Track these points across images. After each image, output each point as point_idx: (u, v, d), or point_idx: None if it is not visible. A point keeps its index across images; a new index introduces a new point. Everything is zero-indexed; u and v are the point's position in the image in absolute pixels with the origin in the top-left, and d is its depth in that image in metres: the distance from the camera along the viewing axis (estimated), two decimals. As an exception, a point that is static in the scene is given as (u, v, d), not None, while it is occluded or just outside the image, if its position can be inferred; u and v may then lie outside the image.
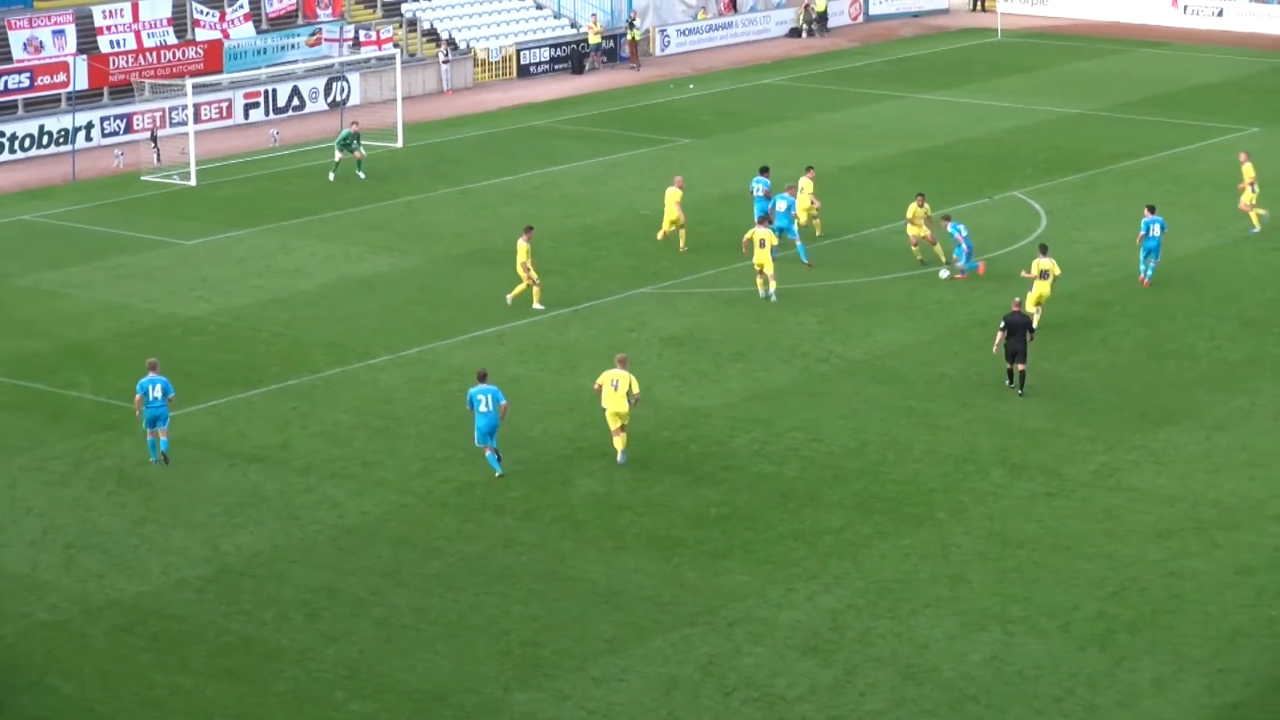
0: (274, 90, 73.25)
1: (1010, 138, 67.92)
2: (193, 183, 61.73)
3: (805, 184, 53.28)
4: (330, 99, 74.51)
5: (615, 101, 76.21)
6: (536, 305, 47.24)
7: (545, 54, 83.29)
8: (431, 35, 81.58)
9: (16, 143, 66.50)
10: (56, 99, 68.67)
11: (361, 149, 61.90)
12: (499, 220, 56.20)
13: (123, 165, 64.81)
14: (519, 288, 47.25)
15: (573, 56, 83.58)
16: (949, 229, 49.05)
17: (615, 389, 36.76)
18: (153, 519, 35.03)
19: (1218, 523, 34.37)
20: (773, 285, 47.78)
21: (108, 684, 28.92)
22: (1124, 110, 72.81)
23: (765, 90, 78.40)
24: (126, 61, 70.12)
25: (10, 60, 68.49)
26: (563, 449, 38.14)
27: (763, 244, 47.61)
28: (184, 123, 65.14)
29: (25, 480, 36.99)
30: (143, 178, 62.99)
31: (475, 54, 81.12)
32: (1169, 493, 35.75)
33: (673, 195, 52.47)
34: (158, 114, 68.49)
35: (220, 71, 71.51)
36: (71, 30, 70.13)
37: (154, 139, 65.72)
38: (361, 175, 61.59)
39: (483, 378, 36.84)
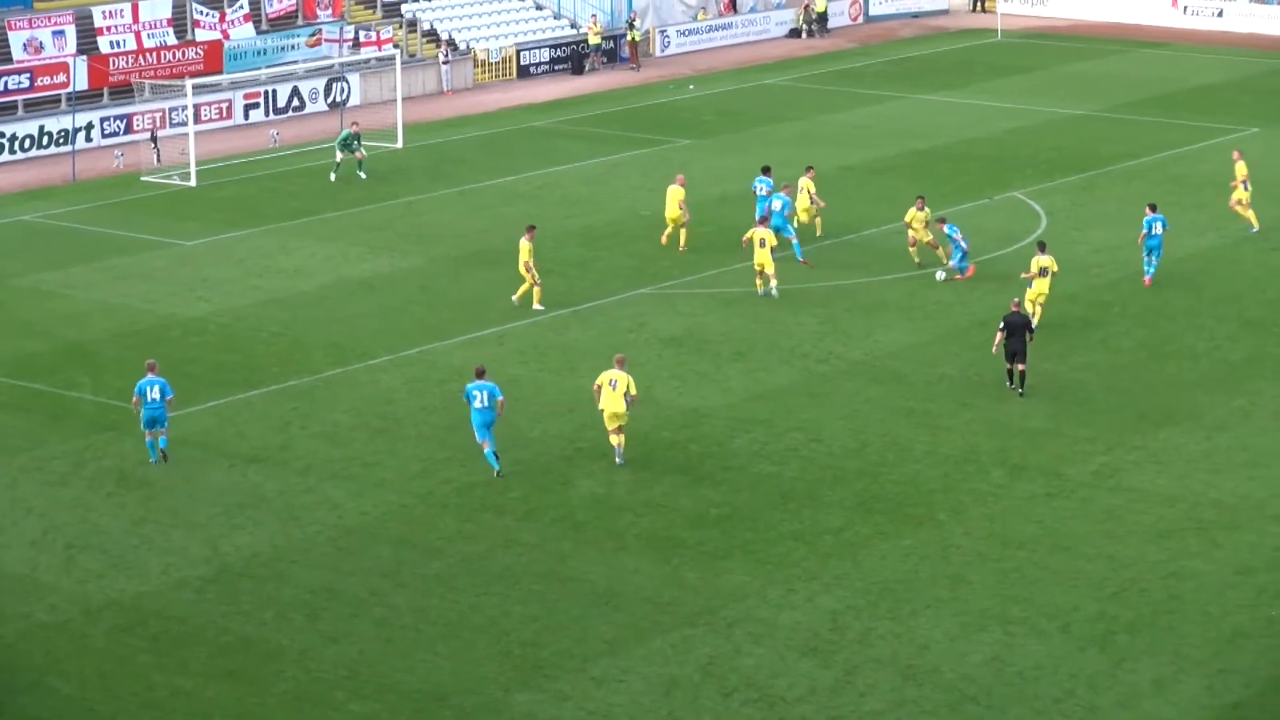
0: (274, 91, 73.25)
1: (1010, 138, 67.92)
2: (193, 183, 61.73)
3: (805, 183, 53.31)
4: (330, 100, 74.52)
5: (615, 102, 76.22)
6: (536, 305, 47.25)
7: (545, 55, 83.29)
8: (431, 36, 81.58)
9: (16, 143, 66.50)
10: (56, 99, 68.68)
11: (362, 149, 61.90)
12: (499, 221, 56.20)
13: (123, 166, 64.81)
14: (523, 288, 47.27)
15: (573, 57, 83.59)
16: (944, 230, 49.08)
17: (614, 389, 36.78)
18: (152, 519, 35.03)
19: (1218, 523, 34.37)
20: (774, 282, 47.81)
21: (108, 684, 28.92)
22: (1124, 111, 72.82)
23: (765, 91, 78.40)
24: (126, 62, 70.12)
25: (10, 61, 68.49)
26: (563, 449, 38.14)
27: (763, 244, 47.63)
28: (184, 123, 65.13)
29: (25, 480, 36.99)
30: (143, 178, 62.99)
31: (475, 55, 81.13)
32: (1169, 493, 35.75)
33: (674, 193, 52.49)
34: (158, 114, 68.49)
35: (220, 72, 71.52)
36: (71, 31, 70.14)
37: (154, 139, 65.71)
38: (363, 176, 61.59)
39: (480, 374, 36.98)
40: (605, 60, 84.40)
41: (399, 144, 67.02)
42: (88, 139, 67.61)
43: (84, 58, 69.37)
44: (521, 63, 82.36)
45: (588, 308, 47.61)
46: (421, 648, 29.94)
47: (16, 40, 68.94)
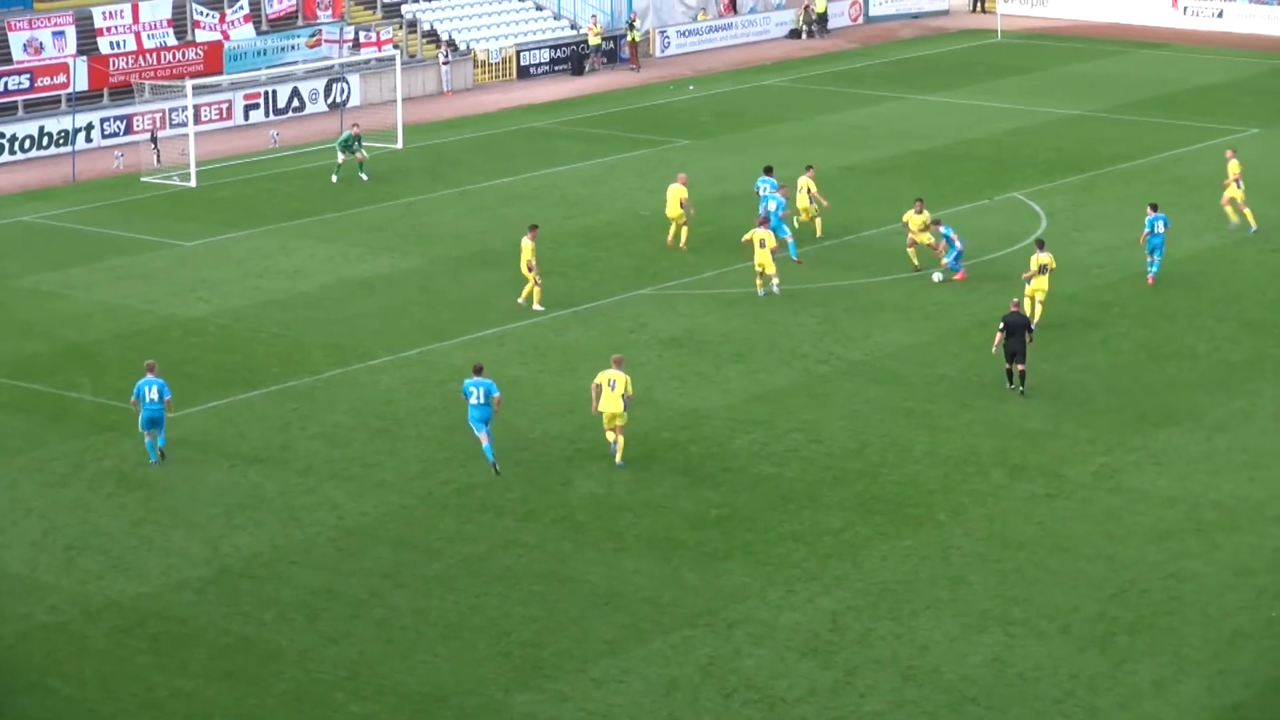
0: (274, 91, 73.25)
1: (1010, 139, 67.92)
2: (193, 184, 61.73)
3: (805, 182, 53.36)
4: (330, 100, 74.52)
5: (615, 103, 76.22)
6: (536, 306, 47.25)
7: (545, 55, 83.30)
8: (431, 36, 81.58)
9: (16, 144, 66.50)
10: (56, 100, 68.68)
11: (363, 150, 61.88)
12: (499, 221, 56.21)
13: (123, 166, 64.81)
14: (527, 288, 47.27)
15: (573, 58, 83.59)
16: (939, 230, 49.09)
17: (612, 389, 36.82)
18: (152, 520, 35.03)
19: (1218, 524, 34.37)
20: (775, 281, 47.85)
21: (108, 685, 28.92)
22: (1124, 111, 72.83)
23: (765, 91, 78.41)
24: (126, 63, 70.13)
25: (10, 61, 68.50)
26: (563, 450, 38.13)
27: (762, 244, 47.65)
28: (184, 124, 65.14)
29: (25, 481, 36.99)
30: (143, 179, 63.00)
31: (475, 55, 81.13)
32: (1169, 494, 35.75)
33: (675, 192, 52.52)
34: (158, 115, 68.49)
35: (220, 73, 71.55)
36: (71, 31, 70.15)
37: (154, 140, 65.71)
38: (364, 177, 61.56)
39: (478, 371, 37.18)
40: (605, 61, 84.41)
41: (399, 145, 67.02)
42: (88, 139, 67.62)
43: (84, 58, 69.39)
44: (521, 63, 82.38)
45: (588, 308, 47.62)
46: (421, 648, 29.94)
47: (16, 41, 68.95)
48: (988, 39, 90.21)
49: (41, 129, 67.20)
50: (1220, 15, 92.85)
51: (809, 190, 53.28)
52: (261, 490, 36.34)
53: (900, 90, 77.51)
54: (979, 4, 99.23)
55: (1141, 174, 61.93)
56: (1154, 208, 49.19)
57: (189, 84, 64.68)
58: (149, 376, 37.41)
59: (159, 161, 64.27)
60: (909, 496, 35.76)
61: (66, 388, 42.25)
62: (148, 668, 29.42)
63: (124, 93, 69.41)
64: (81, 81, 68.70)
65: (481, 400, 36.66)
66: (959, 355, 43.62)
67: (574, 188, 61.10)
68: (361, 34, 76.85)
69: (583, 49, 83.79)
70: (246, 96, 72.33)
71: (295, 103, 73.91)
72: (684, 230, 52.66)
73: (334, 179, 61.38)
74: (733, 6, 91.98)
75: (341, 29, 76.24)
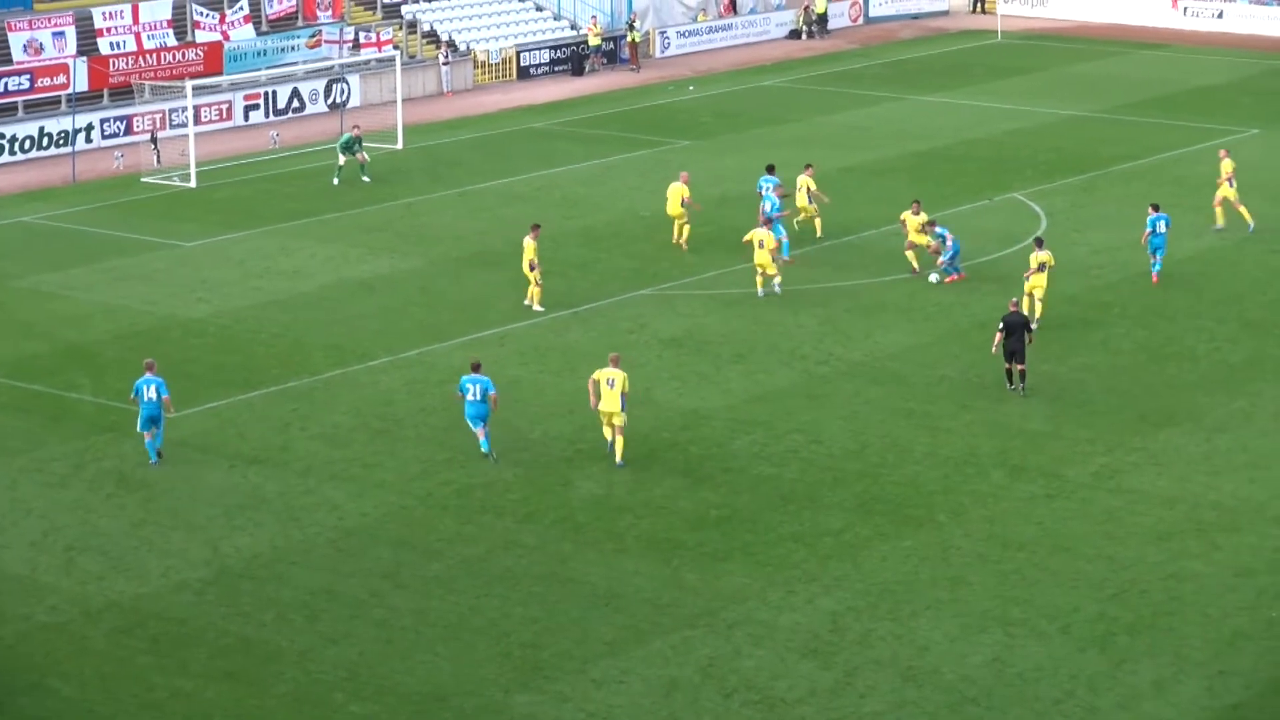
0: (274, 92, 73.25)
1: (1010, 139, 67.91)
2: (193, 184, 61.73)
3: (804, 181, 53.42)
4: (330, 101, 74.52)
5: (615, 103, 76.23)
6: (536, 307, 47.25)
7: (545, 56, 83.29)
8: (431, 37, 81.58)
9: (16, 144, 66.50)
10: (56, 101, 68.69)
11: (364, 152, 61.85)
12: (499, 222, 56.21)
13: (123, 167, 64.81)
14: (531, 288, 47.24)
15: (573, 58, 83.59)
16: (935, 232, 49.09)
17: (611, 387, 36.85)
18: (152, 521, 35.03)
19: (1218, 525, 34.36)
20: (777, 280, 47.87)
21: (107, 686, 28.92)
22: (1124, 112, 72.82)
23: (765, 92, 78.41)
24: (126, 63, 70.13)
25: (10, 62, 68.50)
26: (563, 451, 38.13)
27: (761, 245, 47.68)
28: (184, 124, 65.15)
29: (25, 482, 36.99)
30: (143, 179, 63.00)
31: (475, 56, 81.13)
32: (1169, 495, 35.75)
33: (676, 190, 52.57)
34: (158, 116, 68.50)
35: (220, 73, 71.56)
36: (71, 32, 70.15)
37: (154, 141, 65.72)
38: (366, 179, 61.52)
39: (476, 368, 37.36)
40: (605, 61, 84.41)
41: (399, 145, 67.02)
42: (88, 140, 67.62)
43: (84, 59, 69.39)
44: (521, 64, 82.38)
45: (588, 309, 47.62)
46: (421, 649, 29.94)
47: (16, 41, 68.96)
48: (988, 40, 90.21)
49: (41, 129, 67.21)
50: (1220, 16, 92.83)
51: (808, 189, 53.31)
52: (261, 491, 36.34)
53: (900, 91, 77.51)
54: (979, 5, 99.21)
55: (1141, 175, 61.92)
56: (1155, 208, 49.24)
57: (189, 84, 64.69)
58: (148, 375, 37.45)
59: (159, 162, 64.27)
60: (909, 497, 35.76)
61: (66, 388, 42.25)
62: (148, 668, 29.42)
63: (124, 93, 69.42)
64: (81, 82, 68.71)
65: (478, 397, 36.89)
66: (959, 356, 43.62)
67: (574, 188, 61.11)
68: (361, 34, 76.85)
69: (583, 49, 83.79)
70: (246, 97, 72.34)
71: (295, 103, 73.92)
72: (686, 228, 52.73)
73: (335, 181, 61.37)
74: (733, 7, 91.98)
75: (341, 29, 76.24)
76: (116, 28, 71.81)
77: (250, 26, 75.16)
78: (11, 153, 66.21)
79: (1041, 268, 45.18)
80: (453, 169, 64.05)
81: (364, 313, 47.78)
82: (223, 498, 36.00)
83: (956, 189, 59.86)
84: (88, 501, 35.95)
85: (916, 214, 49.72)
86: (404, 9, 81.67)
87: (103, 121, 68.25)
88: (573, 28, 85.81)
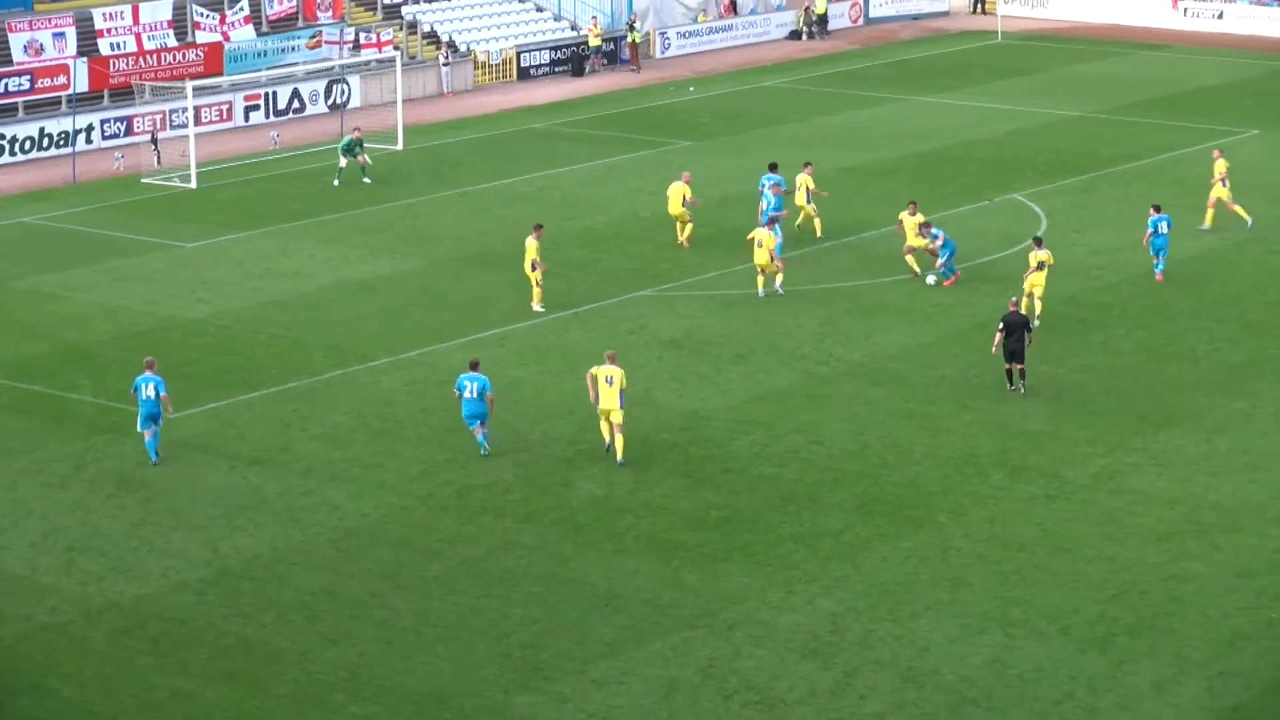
0: (274, 93, 73.26)
1: (1010, 140, 67.92)
2: (193, 185, 61.74)
3: (803, 179, 53.48)
4: (330, 101, 74.53)
5: (615, 104, 76.24)
6: (537, 307, 47.25)
7: (545, 56, 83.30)
8: (432, 38, 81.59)
9: (17, 145, 66.51)
10: (57, 101, 68.69)
11: (365, 154, 61.83)
12: (499, 223, 56.23)
13: (123, 168, 64.81)
14: (538, 291, 47.24)
15: (573, 59, 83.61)
16: (931, 233, 49.09)
17: (610, 384, 36.88)
18: (153, 521, 35.04)
19: (1218, 525, 34.37)
20: (779, 279, 47.88)
21: (108, 686, 28.92)
22: (1124, 113, 72.82)
23: (765, 93, 78.42)
24: (127, 64, 70.14)
25: (10, 63, 68.51)
26: (563, 451, 38.14)
27: (759, 245, 47.70)
28: (184, 125, 65.16)
29: (25, 482, 36.99)
30: (143, 180, 63.01)
31: (475, 56, 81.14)
32: (1169, 495, 35.75)
33: (677, 190, 52.61)
34: (158, 116, 68.51)
35: (220, 74, 71.58)
36: (72, 33, 70.16)
37: (154, 141, 65.72)
38: (367, 180, 61.48)
39: (474, 366, 37.51)
40: (605, 62, 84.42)
41: (399, 146, 67.03)
42: (88, 141, 67.63)
43: (84, 59, 69.40)
44: (522, 65, 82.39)
45: (588, 309, 47.62)
46: (422, 650, 29.95)
47: (17, 42, 68.97)
48: (988, 40, 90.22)
49: (42, 130, 67.21)
50: (1220, 17, 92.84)
51: (807, 188, 53.36)
52: (262, 491, 36.34)
53: (901, 91, 77.52)
54: (979, 5, 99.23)
55: (1142, 175, 61.92)
56: (1157, 208, 49.26)
57: (189, 85, 64.71)
58: (147, 373, 37.51)
59: (159, 163, 64.28)
60: (909, 498, 35.76)
61: (67, 389, 42.26)
62: (148, 669, 29.43)
63: (124, 94, 69.43)
64: (82, 83, 68.72)
65: (475, 395, 36.98)
66: (959, 357, 43.62)
67: (574, 189, 61.11)
68: (362, 35, 76.85)
69: (583, 50, 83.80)
70: (247, 98, 72.35)
71: (295, 104, 73.93)
72: (689, 226, 52.80)
73: (335, 182, 61.37)
74: (733, 8, 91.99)
75: (342, 30, 76.25)
76: (117, 28, 71.83)
77: (250, 27, 75.17)
78: (12, 153, 66.22)
79: (1040, 266, 45.27)
80: (453, 170, 64.06)
81: (364, 313, 47.79)
82: (223, 498, 36.01)
83: (957, 189, 59.86)
84: (88, 502, 35.95)
85: (913, 215, 49.72)
86: (404, 10, 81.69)
87: (103, 122, 68.27)
88: (573, 28, 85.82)
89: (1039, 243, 46.13)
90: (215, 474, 37.23)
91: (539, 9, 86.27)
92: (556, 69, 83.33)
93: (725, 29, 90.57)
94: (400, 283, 50.50)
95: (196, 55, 71.88)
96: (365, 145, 62.27)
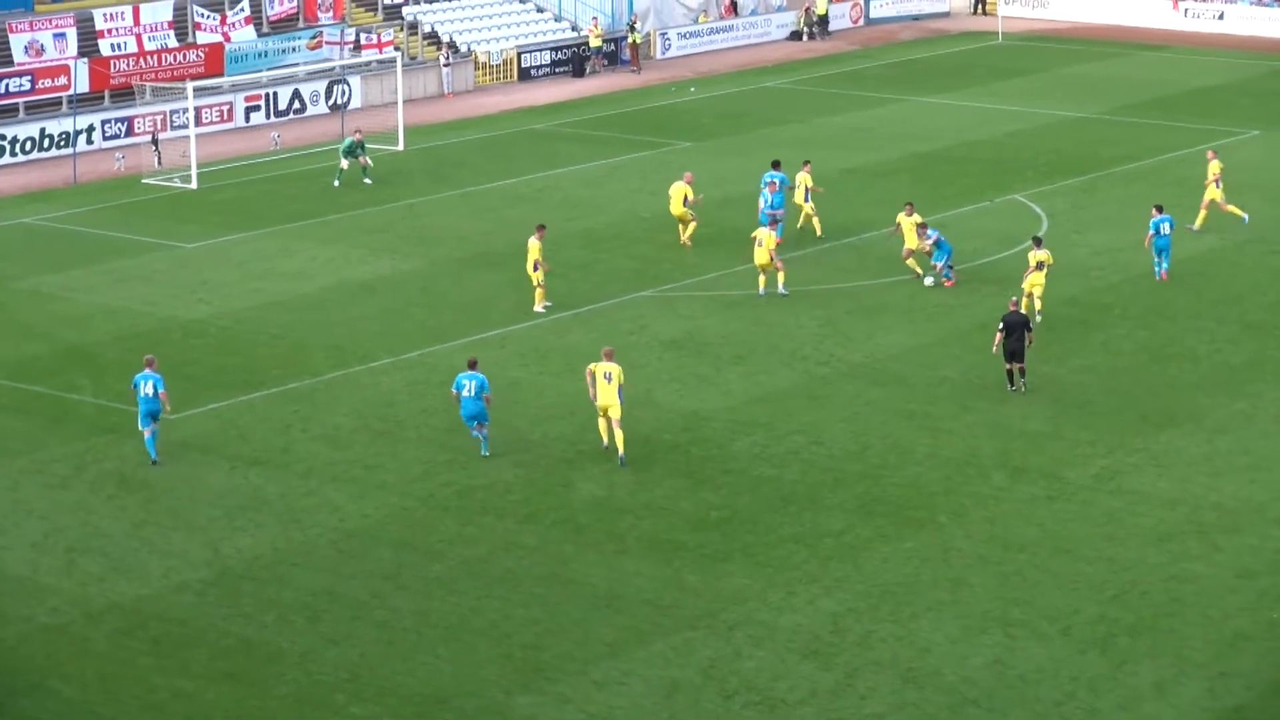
0: (275, 93, 73.27)
1: (1011, 141, 67.93)
2: (194, 186, 61.75)
3: (802, 178, 53.51)
4: (331, 102, 74.54)
5: (616, 104, 76.25)
6: (538, 308, 47.26)
7: (546, 57, 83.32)
8: (432, 38, 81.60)
9: (18, 146, 66.52)
10: (57, 102, 68.71)
11: (366, 156, 61.82)
12: (500, 223, 56.24)
13: (124, 168, 64.83)
14: (539, 291, 47.23)
15: (574, 59, 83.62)
16: (927, 233, 49.11)
17: (609, 381, 36.90)
18: (153, 522, 35.04)
19: (1219, 526, 34.36)
20: (780, 278, 47.88)
21: (109, 687, 28.93)
22: (1125, 113, 72.83)
23: (766, 93, 78.42)
24: (127, 64, 70.16)
25: (11, 63, 68.54)
26: (564, 452, 38.14)
27: (760, 244, 47.72)
28: (185, 126, 65.19)
29: (26, 483, 37.00)
30: (144, 181, 63.03)
31: (476, 57, 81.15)
32: (1170, 496, 35.75)
33: (679, 190, 52.67)
34: (159, 117, 68.54)
35: (221, 74, 71.60)
36: (72, 33, 70.19)
37: (155, 142, 65.74)
38: (368, 181, 61.48)
39: (472, 365, 37.56)
40: (606, 63, 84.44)
41: (400, 146, 67.03)
42: (89, 141, 67.64)
43: (85, 60, 69.43)
44: (522, 65, 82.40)
45: (589, 310, 47.62)
46: (423, 650, 29.95)
47: (18, 43, 68.99)
48: (989, 41, 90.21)
49: (42, 131, 67.23)
50: (1221, 17, 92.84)
51: (806, 186, 53.39)
52: (262, 492, 36.35)
53: (901, 92, 77.52)
54: (980, 6, 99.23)
55: (1142, 176, 61.92)
56: (1159, 209, 49.27)
57: (190, 86, 64.75)
58: (146, 371, 37.55)
59: (160, 163, 64.29)
60: (910, 498, 35.76)
61: (67, 390, 42.26)
62: (149, 669, 29.43)
63: (125, 94, 69.46)
64: (82, 83, 68.73)
65: (473, 394, 36.99)
66: (960, 357, 43.62)
67: (575, 189, 61.12)
68: (362, 36, 76.87)
69: (584, 51, 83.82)
70: (247, 98, 72.37)
71: (296, 105, 73.94)
72: (692, 225, 52.86)
73: (336, 183, 61.38)
74: (733, 8, 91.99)
75: (342, 31, 76.27)
76: (117, 29, 71.85)
77: (251, 28, 75.19)
78: (13, 154, 66.24)
79: (1040, 267, 45.29)
80: (454, 170, 64.06)
81: (365, 314, 47.79)
82: (224, 499, 36.01)
83: (958, 190, 59.86)
84: (89, 503, 35.96)
85: (910, 215, 49.71)
86: (405, 10, 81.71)
87: (104, 123, 68.28)
88: (574, 29, 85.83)
89: (1038, 243, 46.20)
90: (216, 475, 37.23)
91: (540, 10, 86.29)
92: (557, 70, 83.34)
93: (726, 30, 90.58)
94: (401, 283, 50.50)
95: (197, 56, 71.90)
96: (366, 146, 62.27)
